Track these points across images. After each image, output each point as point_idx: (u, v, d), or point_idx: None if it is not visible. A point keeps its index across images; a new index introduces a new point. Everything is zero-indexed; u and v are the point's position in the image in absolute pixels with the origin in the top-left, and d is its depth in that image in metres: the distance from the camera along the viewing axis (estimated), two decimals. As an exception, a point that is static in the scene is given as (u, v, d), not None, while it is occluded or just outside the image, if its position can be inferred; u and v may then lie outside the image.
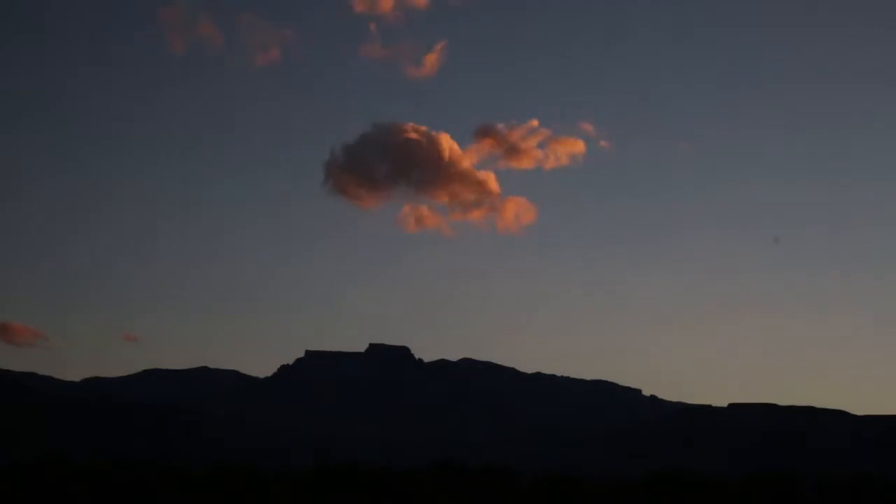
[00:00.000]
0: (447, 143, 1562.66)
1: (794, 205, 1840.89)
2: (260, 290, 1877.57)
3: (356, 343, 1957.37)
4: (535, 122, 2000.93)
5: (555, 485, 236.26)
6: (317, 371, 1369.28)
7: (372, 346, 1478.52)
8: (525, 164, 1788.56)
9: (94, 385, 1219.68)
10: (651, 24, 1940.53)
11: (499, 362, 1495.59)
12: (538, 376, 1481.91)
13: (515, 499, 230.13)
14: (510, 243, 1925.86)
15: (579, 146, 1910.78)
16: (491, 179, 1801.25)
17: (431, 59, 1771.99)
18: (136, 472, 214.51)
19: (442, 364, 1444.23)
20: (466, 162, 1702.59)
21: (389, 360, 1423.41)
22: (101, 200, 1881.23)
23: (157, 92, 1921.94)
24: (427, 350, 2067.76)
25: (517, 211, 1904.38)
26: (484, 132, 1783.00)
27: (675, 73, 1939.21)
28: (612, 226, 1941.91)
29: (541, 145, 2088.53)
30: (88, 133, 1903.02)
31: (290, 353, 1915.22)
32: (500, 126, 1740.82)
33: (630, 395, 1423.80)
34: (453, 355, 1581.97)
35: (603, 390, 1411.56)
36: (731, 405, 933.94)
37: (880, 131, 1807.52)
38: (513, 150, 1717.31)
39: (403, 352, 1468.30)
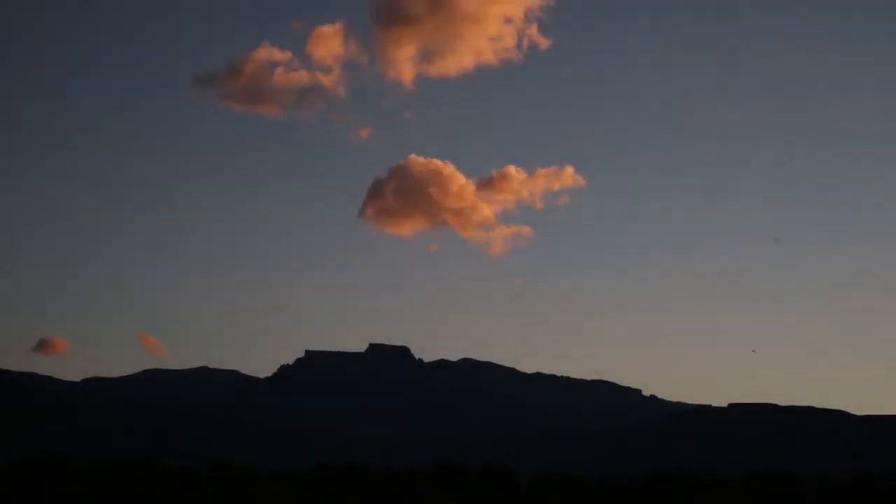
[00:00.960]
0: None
1: (794, 206, 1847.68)
2: (260, 290, 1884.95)
3: (356, 343, 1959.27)
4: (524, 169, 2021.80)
5: (555, 485, 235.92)
6: (317, 371, 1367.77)
7: (372, 346, 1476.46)
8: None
9: (94, 385, 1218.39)
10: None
11: (499, 362, 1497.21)
12: (538, 376, 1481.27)
13: (515, 499, 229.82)
14: (512, 247, 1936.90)
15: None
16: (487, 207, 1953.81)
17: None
18: (136, 472, 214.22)
19: (442, 364, 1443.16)
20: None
21: (389, 360, 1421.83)
22: (108, 206, 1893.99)
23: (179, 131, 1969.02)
24: (427, 350, 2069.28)
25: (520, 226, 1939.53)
26: (493, 178, 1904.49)
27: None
28: (613, 228, 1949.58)
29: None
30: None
31: (290, 353, 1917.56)
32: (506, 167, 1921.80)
33: (630, 395, 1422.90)
34: (453, 355, 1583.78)
35: (603, 390, 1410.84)
36: (731, 405, 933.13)
37: (879, 134, 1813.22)
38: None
39: (403, 352, 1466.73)
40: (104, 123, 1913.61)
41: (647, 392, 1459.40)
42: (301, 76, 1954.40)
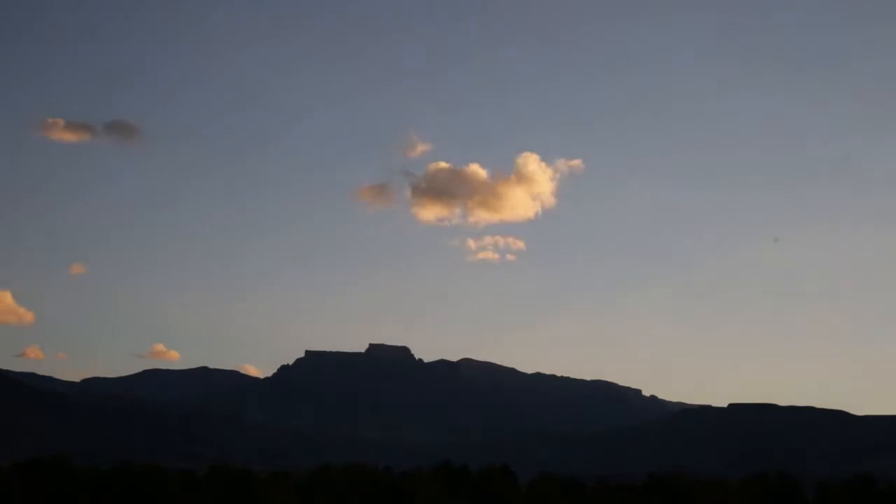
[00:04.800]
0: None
1: (794, 206, 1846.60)
2: (260, 290, 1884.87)
3: (356, 343, 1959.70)
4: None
5: (555, 485, 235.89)
6: (317, 371, 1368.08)
7: (372, 346, 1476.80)
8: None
9: (94, 385, 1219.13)
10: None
11: (499, 362, 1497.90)
12: (538, 376, 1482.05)
13: (515, 499, 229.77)
14: (513, 248, 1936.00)
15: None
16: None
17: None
18: (136, 472, 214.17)
19: (442, 364, 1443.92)
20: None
21: (389, 360, 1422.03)
22: (110, 206, 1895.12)
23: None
24: (427, 350, 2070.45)
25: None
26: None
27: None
28: (613, 228, 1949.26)
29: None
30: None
31: (290, 353, 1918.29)
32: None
33: (630, 395, 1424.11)
34: (453, 355, 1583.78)
35: (603, 390, 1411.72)
36: (731, 405, 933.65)
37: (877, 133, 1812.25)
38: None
39: (403, 352, 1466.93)
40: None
41: (647, 392, 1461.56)
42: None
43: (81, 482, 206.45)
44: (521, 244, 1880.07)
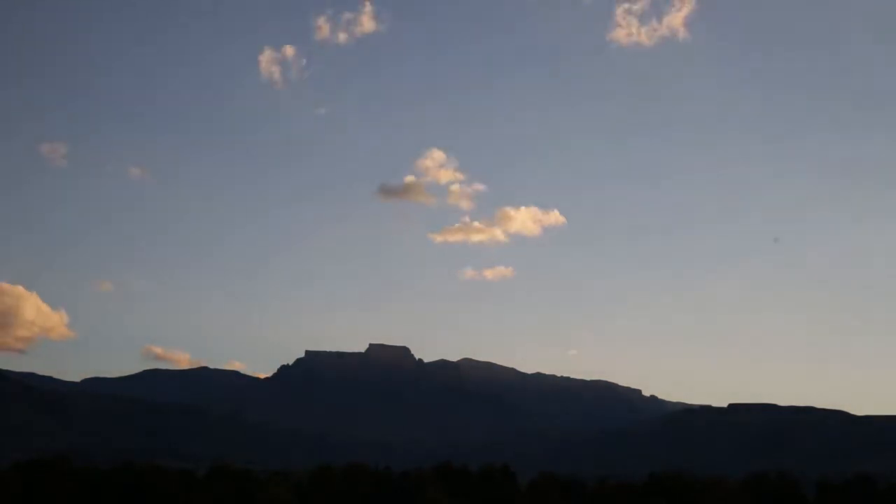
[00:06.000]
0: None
1: (794, 207, 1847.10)
2: (260, 290, 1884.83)
3: (356, 343, 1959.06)
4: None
5: (555, 485, 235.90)
6: (317, 371, 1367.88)
7: (372, 346, 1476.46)
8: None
9: (94, 385, 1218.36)
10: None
11: (499, 362, 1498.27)
12: (538, 376, 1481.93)
13: (515, 499, 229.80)
14: (514, 245, 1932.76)
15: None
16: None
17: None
18: (136, 472, 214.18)
19: (442, 364, 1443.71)
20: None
21: (389, 360, 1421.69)
22: (111, 207, 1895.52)
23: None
24: (427, 350, 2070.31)
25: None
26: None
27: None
28: (614, 229, 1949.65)
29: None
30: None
31: (290, 353, 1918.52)
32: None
33: (630, 395, 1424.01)
34: (453, 355, 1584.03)
35: (603, 390, 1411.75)
36: (731, 405, 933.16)
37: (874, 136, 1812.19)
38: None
39: (403, 352, 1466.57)
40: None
41: (647, 392, 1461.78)
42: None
43: (81, 482, 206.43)
44: (522, 251, 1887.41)
